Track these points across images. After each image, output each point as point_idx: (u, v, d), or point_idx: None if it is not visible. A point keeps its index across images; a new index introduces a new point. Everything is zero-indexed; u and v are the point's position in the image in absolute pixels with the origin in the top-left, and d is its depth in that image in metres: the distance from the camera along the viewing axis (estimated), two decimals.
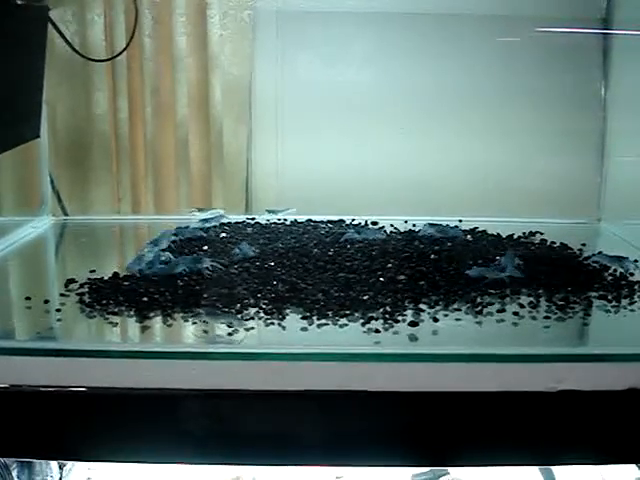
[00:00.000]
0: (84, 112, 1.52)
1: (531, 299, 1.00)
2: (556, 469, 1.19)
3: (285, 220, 1.41)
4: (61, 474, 1.22)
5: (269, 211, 1.43)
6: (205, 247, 1.21)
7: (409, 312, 0.94)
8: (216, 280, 1.04)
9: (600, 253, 1.17)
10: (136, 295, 0.98)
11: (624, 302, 1.00)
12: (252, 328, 0.90)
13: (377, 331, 0.88)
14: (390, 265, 1.10)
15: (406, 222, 1.36)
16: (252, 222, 1.40)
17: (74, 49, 1.45)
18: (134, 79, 1.53)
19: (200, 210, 1.41)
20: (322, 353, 0.82)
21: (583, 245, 1.25)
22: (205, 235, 1.29)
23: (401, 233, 1.32)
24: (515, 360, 0.81)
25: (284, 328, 0.90)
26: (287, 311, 0.94)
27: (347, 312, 0.93)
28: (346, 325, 0.90)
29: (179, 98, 1.52)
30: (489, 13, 1.50)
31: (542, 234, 1.32)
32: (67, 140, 1.53)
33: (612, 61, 1.50)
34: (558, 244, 1.27)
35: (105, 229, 1.48)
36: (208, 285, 1.02)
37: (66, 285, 1.05)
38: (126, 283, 1.03)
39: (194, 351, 0.85)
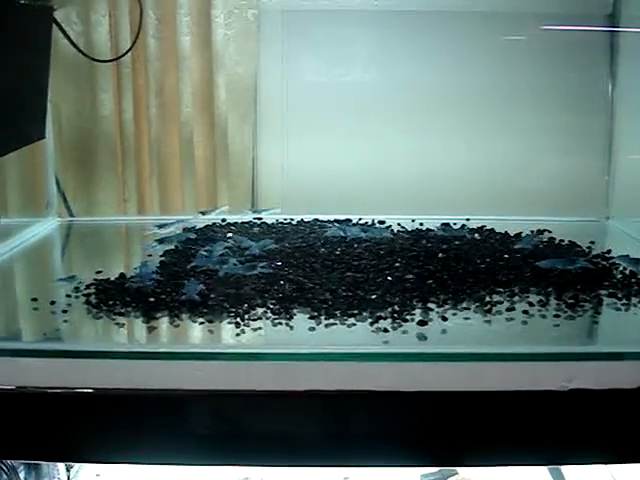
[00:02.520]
0: (89, 113, 1.52)
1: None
2: (565, 468, 1.19)
3: (292, 220, 1.40)
4: (68, 476, 1.22)
5: (254, 211, 1.43)
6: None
7: (417, 311, 0.93)
8: (223, 280, 1.04)
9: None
10: (143, 294, 0.98)
11: None
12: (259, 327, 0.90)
13: (385, 330, 0.88)
14: (398, 264, 1.10)
15: (413, 221, 1.36)
16: (259, 222, 1.40)
17: (79, 49, 1.45)
18: (139, 79, 1.53)
19: (204, 213, 1.41)
20: (330, 353, 0.82)
21: (592, 243, 1.24)
22: (212, 235, 1.29)
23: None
24: (526, 359, 0.81)
25: (292, 328, 0.90)
26: (295, 311, 0.93)
27: (355, 312, 0.92)
28: (354, 325, 0.90)
29: (184, 98, 1.52)
30: (494, 10, 1.50)
31: (550, 232, 1.31)
32: (72, 141, 1.53)
33: (619, 58, 1.50)
34: (566, 242, 1.26)
35: (111, 230, 1.48)
36: (215, 285, 1.01)
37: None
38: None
39: (201, 352, 0.84)
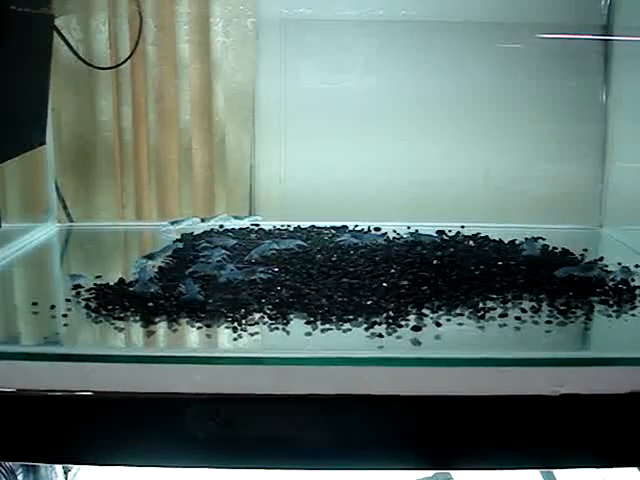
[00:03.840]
0: (89, 119, 1.53)
1: None
2: (558, 472, 1.19)
3: (289, 226, 1.41)
4: (66, 479, 1.22)
5: (235, 217, 1.45)
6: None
7: (412, 317, 0.95)
8: (221, 286, 1.05)
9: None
10: (142, 299, 1.00)
11: None
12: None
13: (380, 336, 0.89)
14: (393, 271, 1.11)
15: (409, 228, 1.37)
16: (256, 228, 1.41)
17: (79, 57, 1.46)
18: (138, 86, 1.54)
19: (203, 220, 1.44)
20: (326, 358, 0.83)
21: (585, 250, 1.26)
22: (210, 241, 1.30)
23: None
24: (517, 364, 0.82)
25: (288, 333, 0.91)
26: (291, 316, 0.94)
27: (350, 317, 0.94)
28: (350, 330, 0.91)
29: (182, 105, 1.53)
30: (490, 20, 1.51)
31: (544, 239, 1.32)
32: (72, 147, 1.54)
33: (613, 67, 1.51)
34: (560, 249, 1.27)
35: (110, 235, 1.49)
36: (213, 290, 1.03)
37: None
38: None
39: (199, 356, 0.86)
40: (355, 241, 1.26)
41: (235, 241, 1.29)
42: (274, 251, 1.21)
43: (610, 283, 1.08)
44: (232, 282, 1.06)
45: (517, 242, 1.30)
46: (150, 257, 1.19)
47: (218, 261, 1.15)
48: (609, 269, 1.14)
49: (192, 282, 1.02)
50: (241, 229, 1.40)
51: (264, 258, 1.18)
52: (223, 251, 1.20)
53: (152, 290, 1.02)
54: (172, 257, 1.21)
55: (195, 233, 1.36)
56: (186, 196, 1.56)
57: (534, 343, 0.91)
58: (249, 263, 1.15)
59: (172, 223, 1.42)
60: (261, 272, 1.07)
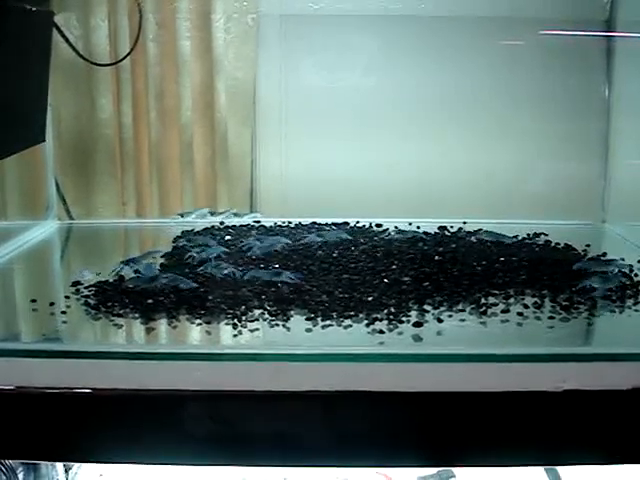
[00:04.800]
0: (89, 116, 1.53)
1: None
2: (561, 469, 1.19)
3: (289, 222, 1.41)
4: (66, 477, 1.22)
5: (234, 214, 1.45)
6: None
7: (413, 313, 0.94)
8: (221, 282, 1.05)
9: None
10: (141, 297, 0.99)
11: None
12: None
13: (381, 332, 0.88)
14: (394, 267, 1.10)
15: (410, 224, 1.37)
16: (257, 225, 1.41)
17: (79, 54, 1.46)
18: (138, 83, 1.54)
19: (212, 213, 1.44)
20: (326, 354, 0.83)
21: (587, 246, 1.25)
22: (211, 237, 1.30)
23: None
24: (520, 360, 0.81)
25: (289, 329, 0.90)
26: (291, 312, 0.94)
27: (351, 313, 0.93)
28: (350, 326, 0.90)
29: (183, 102, 1.53)
30: (492, 15, 1.50)
31: (546, 235, 1.32)
32: (72, 144, 1.54)
33: (615, 63, 1.50)
34: (562, 245, 1.27)
35: (110, 233, 1.49)
36: (213, 287, 1.02)
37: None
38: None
39: (199, 352, 0.85)
40: (318, 240, 1.26)
41: (234, 238, 1.29)
42: (276, 248, 1.21)
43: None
44: (237, 280, 1.06)
45: (519, 238, 1.30)
46: (130, 262, 1.13)
47: (216, 258, 1.15)
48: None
49: (176, 277, 1.03)
50: (242, 226, 1.39)
51: (265, 255, 1.18)
52: (222, 248, 1.20)
53: (152, 286, 1.01)
54: (173, 255, 1.20)
55: (195, 230, 1.36)
56: (187, 193, 1.56)
57: (536, 339, 0.91)
58: (250, 260, 1.15)
59: (181, 215, 1.42)
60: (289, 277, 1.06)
